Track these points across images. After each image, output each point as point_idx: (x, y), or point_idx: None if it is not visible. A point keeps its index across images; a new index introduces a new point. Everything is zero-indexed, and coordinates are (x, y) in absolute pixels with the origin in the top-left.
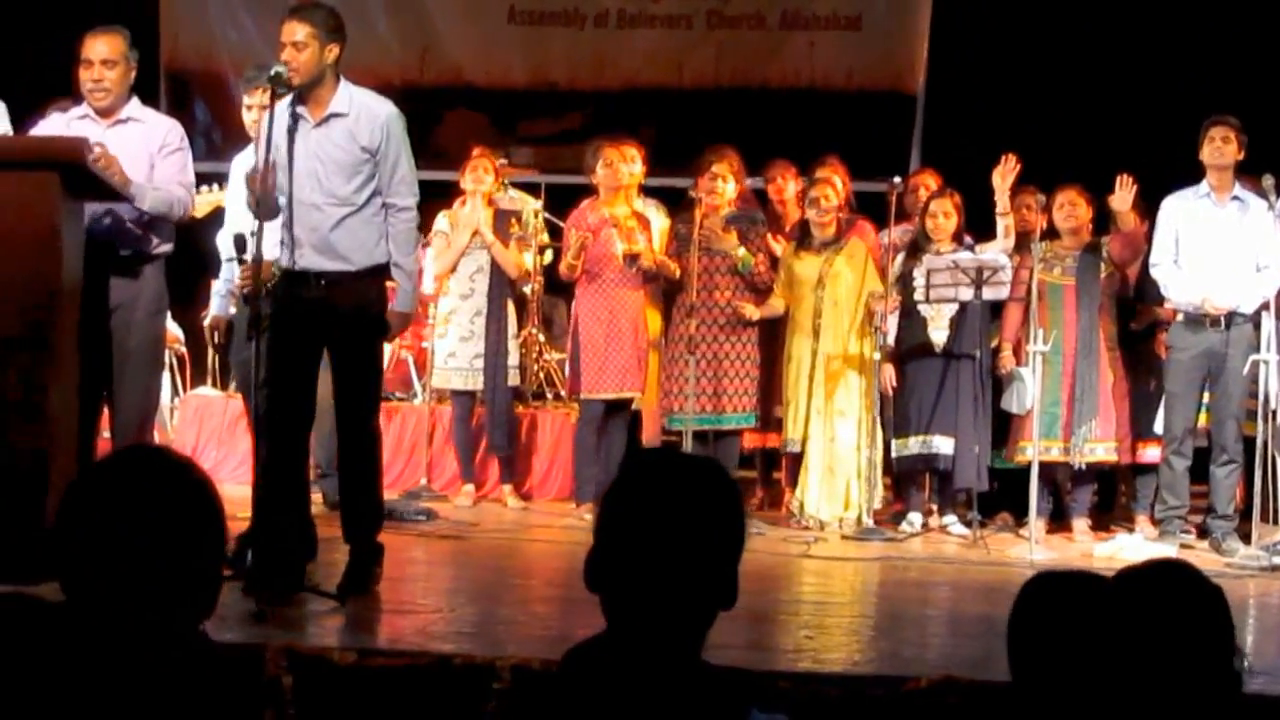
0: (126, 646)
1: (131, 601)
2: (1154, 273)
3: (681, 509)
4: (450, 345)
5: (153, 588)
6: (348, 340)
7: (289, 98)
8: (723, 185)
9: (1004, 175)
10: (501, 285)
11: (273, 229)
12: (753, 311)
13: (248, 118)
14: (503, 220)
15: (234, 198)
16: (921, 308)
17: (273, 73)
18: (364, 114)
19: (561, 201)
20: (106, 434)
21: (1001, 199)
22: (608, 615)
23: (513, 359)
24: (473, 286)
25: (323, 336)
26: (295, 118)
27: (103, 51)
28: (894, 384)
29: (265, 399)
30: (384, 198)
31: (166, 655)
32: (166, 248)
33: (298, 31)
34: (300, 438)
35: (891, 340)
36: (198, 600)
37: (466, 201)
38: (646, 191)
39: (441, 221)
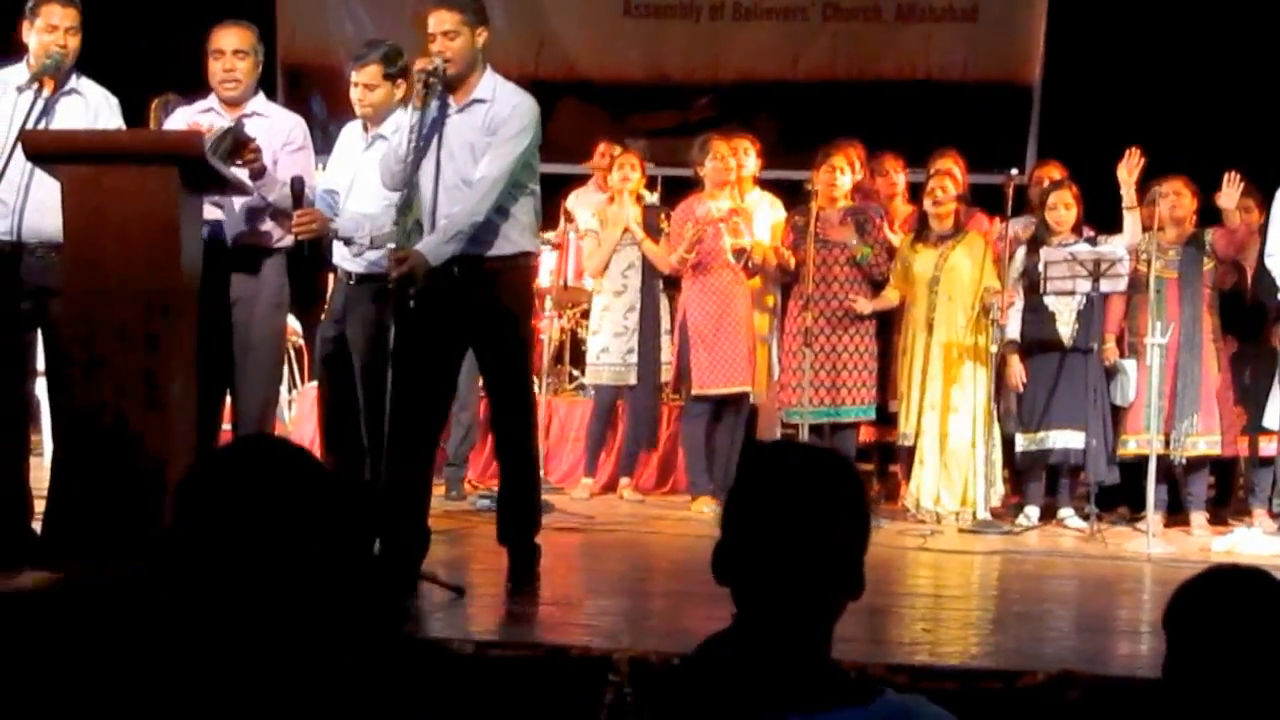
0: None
1: (247, 588)
2: (1269, 263)
3: (809, 500)
4: (603, 341)
5: (269, 574)
6: (491, 330)
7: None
8: (839, 177)
9: (1129, 169)
10: (653, 281)
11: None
12: (865, 305)
13: (353, 94)
14: (652, 216)
15: (338, 165)
16: (1048, 301)
17: (431, 67)
18: (501, 100)
19: (679, 196)
20: (228, 427)
21: (1128, 193)
22: (737, 607)
23: (665, 355)
24: (625, 283)
25: (463, 327)
26: (442, 103)
27: (234, 42)
28: (1024, 379)
29: (397, 392)
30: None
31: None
32: (287, 242)
33: (447, 20)
34: (433, 431)
35: (1014, 334)
36: (321, 586)
37: (614, 199)
38: (762, 184)
39: (591, 220)
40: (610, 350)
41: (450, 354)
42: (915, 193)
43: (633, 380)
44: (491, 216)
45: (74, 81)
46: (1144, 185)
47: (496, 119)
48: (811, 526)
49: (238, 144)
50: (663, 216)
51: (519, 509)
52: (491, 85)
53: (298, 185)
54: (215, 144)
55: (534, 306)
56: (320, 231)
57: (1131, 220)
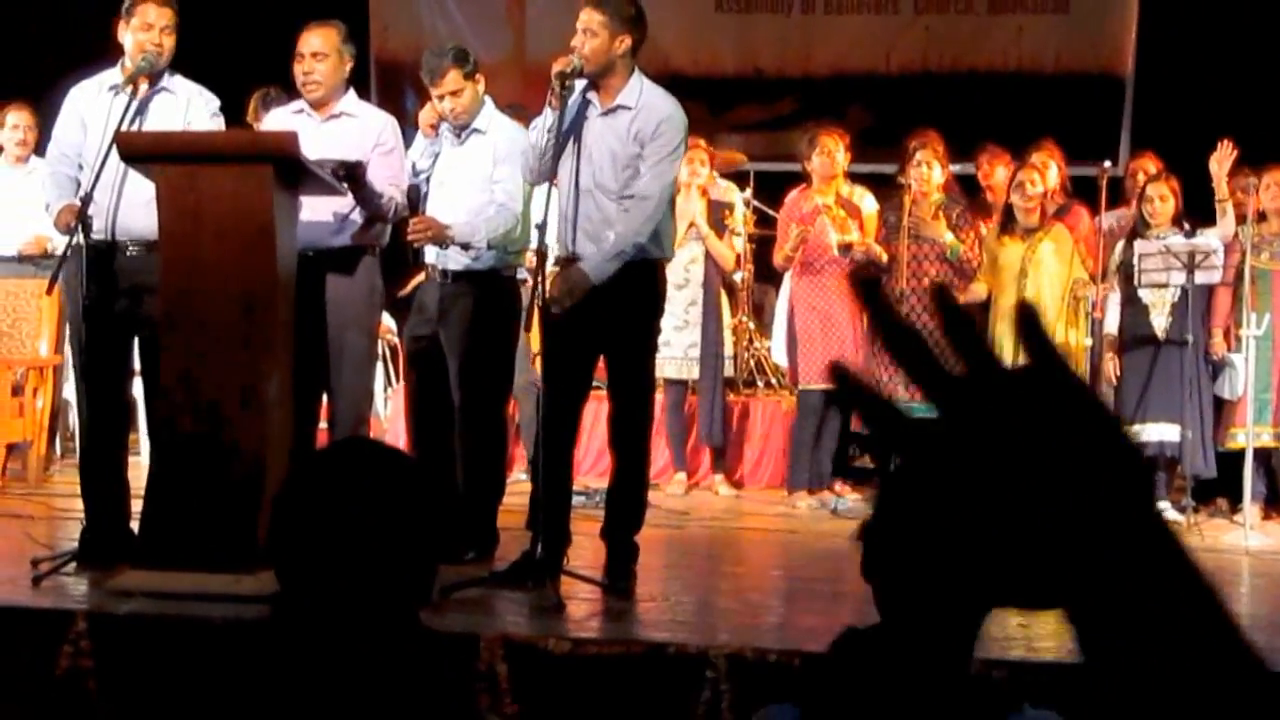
0: (342, 635)
1: (345, 591)
2: None
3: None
4: (664, 334)
5: (367, 577)
6: (622, 333)
7: (582, 83)
8: (927, 171)
9: (1221, 161)
10: (715, 275)
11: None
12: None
13: (443, 108)
14: (716, 211)
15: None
16: (1142, 294)
17: (571, 66)
18: (646, 110)
19: (770, 189)
20: (323, 425)
21: (1220, 185)
22: (881, 605)
23: (728, 349)
24: (687, 277)
25: (598, 329)
26: (586, 103)
27: (314, 45)
28: (1117, 374)
29: (549, 397)
30: (635, 183)
31: (383, 644)
32: (381, 241)
33: (589, 19)
34: (576, 433)
35: (1111, 328)
36: (413, 589)
37: (680, 192)
38: (854, 178)
39: None
40: (672, 344)
41: (589, 357)
42: (967, 185)
43: (695, 374)
44: (621, 221)
45: (166, 80)
46: (1243, 175)
47: (644, 131)
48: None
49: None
50: (726, 212)
51: (628, 505)
52: (637, 92)
53: (355, 169)
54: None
55: (662, 309)
56: (436, 238)
57: (1224, 212)
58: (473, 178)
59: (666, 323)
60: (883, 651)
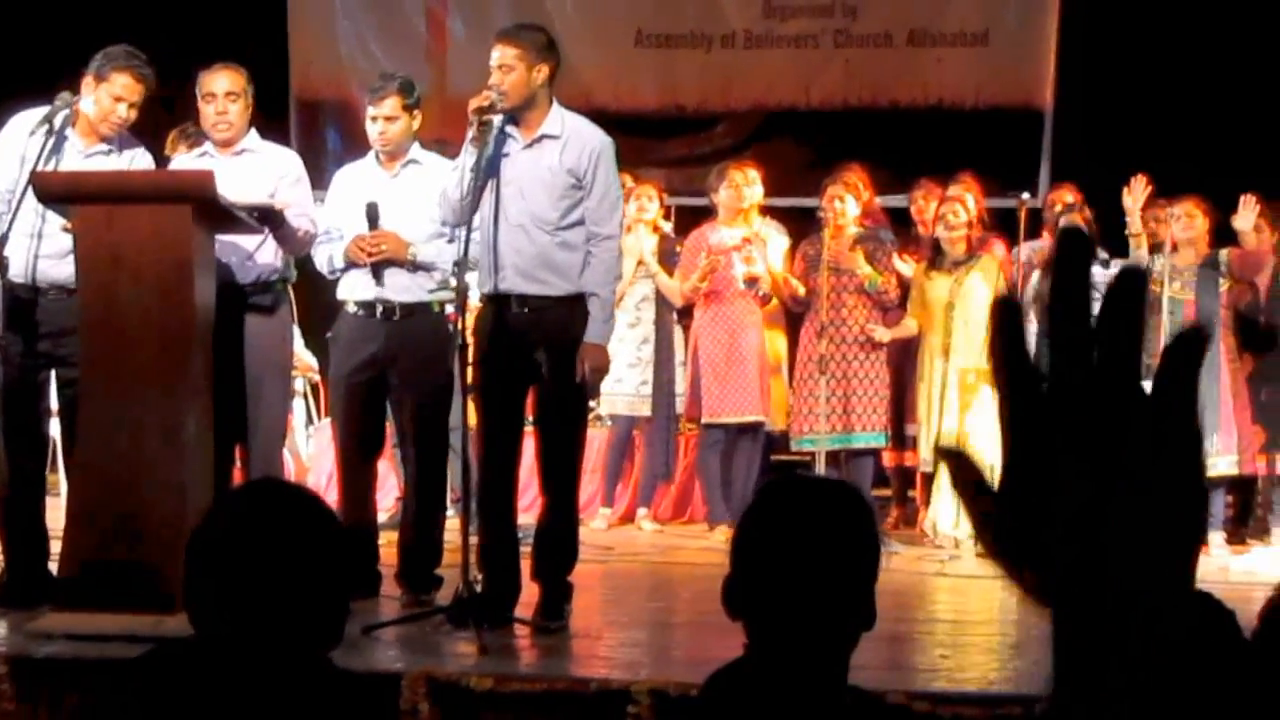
0: (256, 677)
1: (258, 632)
2: None
3: (818, 532)
4: (617, 372)
5: (278, 619)
6: (550, 369)
7: (500, 119)
8: (841, 205)
9: (1135, 196)
10: (667, 313)
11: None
12: (884, 334)
13: (372, 130)
14: (668, 247)
15: (340, 205)
16: None
17: (489, 102)
18: (574, 138)
19: (690, 225)
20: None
21: (1133, 220)
22: (750, 640)
23: (680, 386)
24: (639, 315)
25: (526, 364)
26: (505, 138)
27: (225, 85)
28: None
29: (489, 434)
30: (589, 225)
31: (294, 684)
32: (291, 274)
33: (504, 54)
34: (513, 465)
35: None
36: (323, 629)
37: (631, 230)
38: (775, 212)
39: None
40: (624, 381)
41: (523, 392)
42: (898, 218)
43: (647, 411)
44: (561, 256)
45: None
46: (1158, 206)
47: (580, 161)
48: (822, 559)
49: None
50: (677, 246)
51: (562, 545)
52: (560, 120)
53: (271, 211)
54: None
55: None
56: (393, 255)
57: (1138, 245)
58: (418, 207)
59: (619, 360)
60: (752, 681)
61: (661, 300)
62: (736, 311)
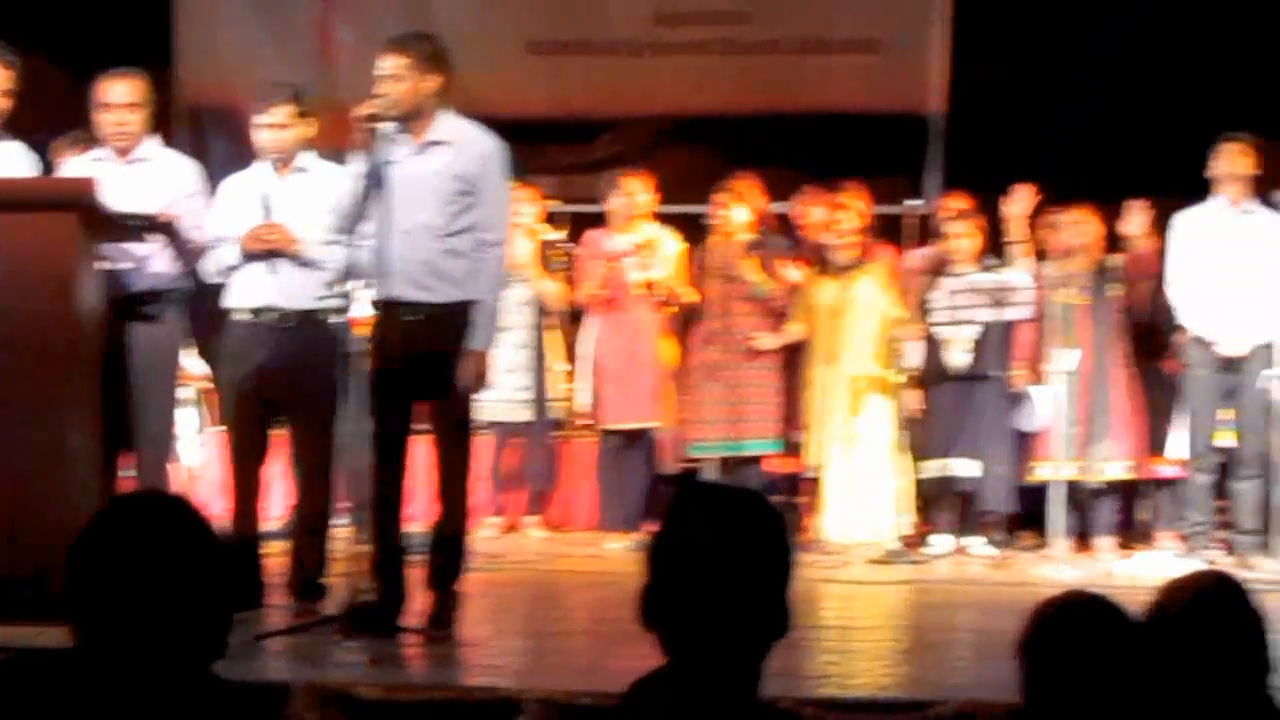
0: (137, 689)
1: (138, 644)
2: (1169, 293)
3: (734, 541)
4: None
5: (159, 631)
6: (437, 376)
7: (389, 126)
8: (733, 212)
9: (1017, 205)
10: (542, 318)
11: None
12: (768, 340)
13: (262, 138)
14: (545, 251)
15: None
16: (941, 330)
17: (378, 109)
18: (464, 145)
19: (584, 231)
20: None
21: (1015, 229)
22: (666, 650)
23: (556, 391)
24: (517, 319)
25: (416, 372)
26: (395, 145)
27: (124, 95)
28: (920, 407)
29: (377, 439)
30: (477, 232)
31: (178, 696)
32: (184, 285)
33: (393, 63)
34: (403, 474)
35: (914, 363)
36: (206, 641)
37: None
38: (668, 218)
39: None
40: (501, 387)
41: (414, 400)
42: (791, 224)
43: (527, 416)
44: (449, 263)
45: None
46: (1048, 212)
47: (470, 166)
48: (738, 568)
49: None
50: (565, 252)
51: (453, 554)
52: (450, 126)
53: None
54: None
55: None
56: (284, 246)
57: (1021, 254)
58: (309, 214)
59: (496, 366)
60: (672, 692)
61: (540, 305)
62: (632, 317)
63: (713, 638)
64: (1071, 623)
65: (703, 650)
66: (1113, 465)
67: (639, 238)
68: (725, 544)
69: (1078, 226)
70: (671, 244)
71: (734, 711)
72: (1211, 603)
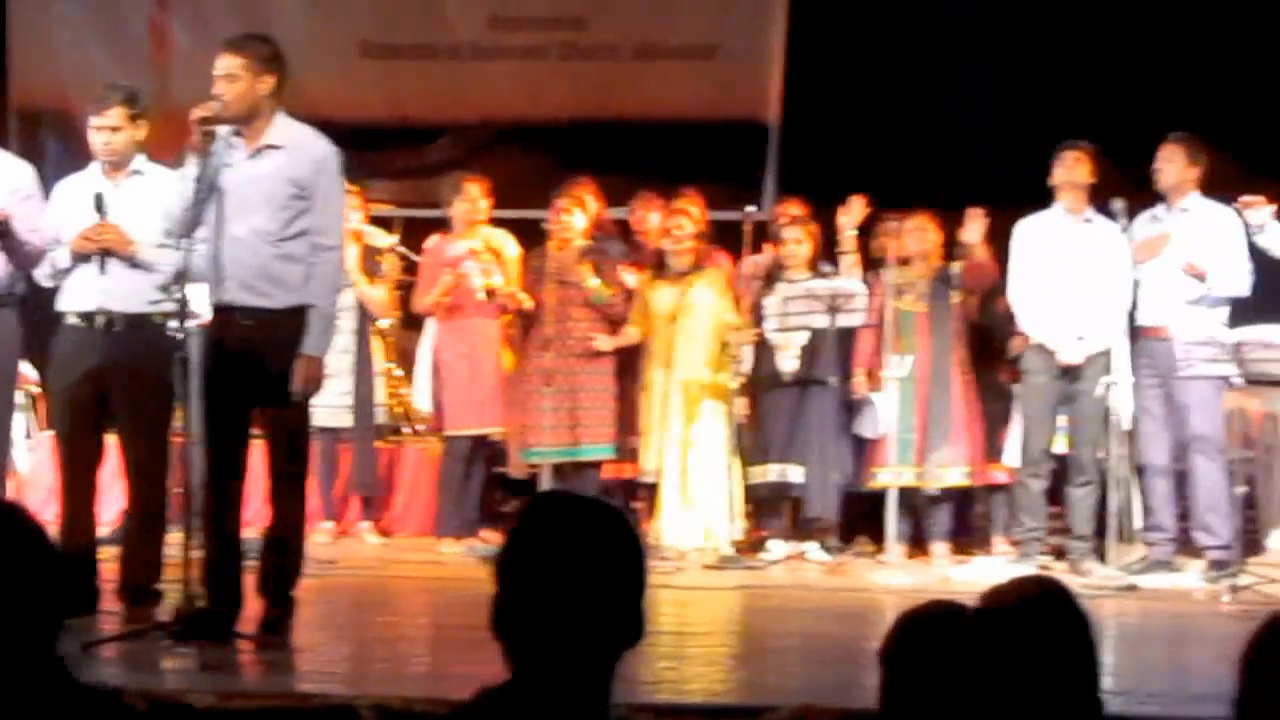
0: None
1: None
2: (1010, 299)
3: (586, 550)
4: None
5: None
6: (272, 381)
7: (227, 129)
8: (570, 218)
9: (851, 216)
10: (366, 322)
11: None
12: (605, 343)
13: (96, 140)
14: (369, 256)
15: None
16: (772, 336)
17: (213, 112)
18: (298, 149)
19: (420, 236)
20: None
21: (846, 239)
22: (514, 660)
23: (379, 396)
24: (339, 324)
25: (248, 376)
26: (229, 148)
27: None
28: (745, 414)
29: (218, 445)
30: (312, 236)
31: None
32: (19, 288)
33: (227, 64)
34: (238, 479)
35: (745, 369)
36: (35, 648)
37: None
38: (503, 223)
39: None
40: (324, 392)
41: (248, 405)
42: (628, 230)
43: (348, 422)
44: (283, 268)
45: None
46: (883, 219)
47: (302, 171)
48: (590, 577)
49: None
50: (392, 256)
51: (288, 560)
52: (284, 131)
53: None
54: None
55: None
56: (116, 246)
57: (850, 264)
58: (144, 217)
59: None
60: (519, 706)
61: (361, 309)
62: (474, 323)
63: (565, 647)
64: (932, 631)
65: (554, 659)
66: (951, 472)
67: (480, 243)
68: (577, 553)
69: (918, 233)
70: (511, 249)
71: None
72: (1035, 607)
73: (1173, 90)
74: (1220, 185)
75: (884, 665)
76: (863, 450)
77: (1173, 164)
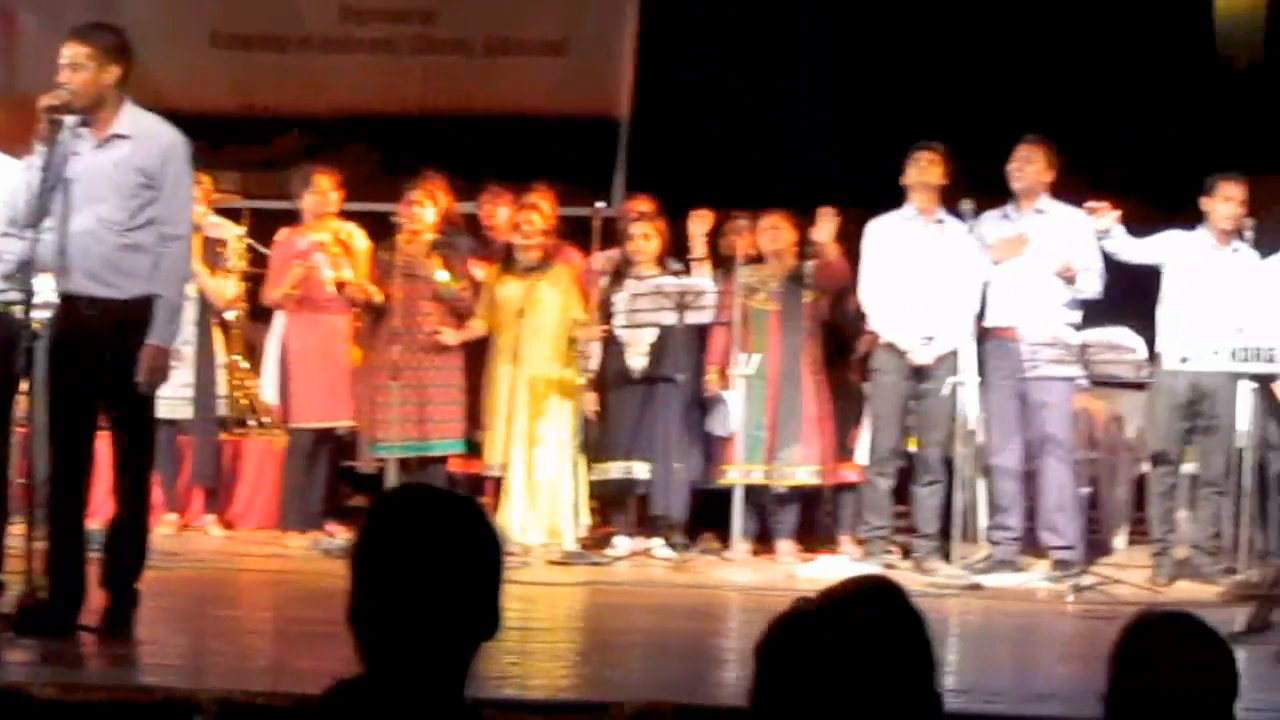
0: None
1: None
2: (861, 299)
3: (440, 543)
4: None
5: None
6: (118, 374)
7: (74, 118)
8: (420, 211)
9: (700, 223)
10: (208, 313)
11: None
12: (451, 336)
13: None
14: (210, 247)
15: None
16: (620, 333)
17: (60, 101)
18: (146, 138)
19: (269, 228)
20: None
21: (696, 246)
22: (367, 654)
23: (221, 388)
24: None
25: (97, 368)
26: (76, 137)
27: None
28: (594, 410)
29: (53, 436)
30: (159, 226)
31: None
32: None
33: (75, 52)
34: (83, 470)
35: (594, 366)
36: None
37: None
38: (351, 216)
39: None
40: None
41: (95, 395)
42: (474, 225)
43: (189, 413)
44: (130, 257)
45: None
46: (732, 217)
47: (150, 160)
48: (444, 571)
49: None
50: (220, 248)
51: (132, 552)
52: (132, 120)
53: None
54: None
55: None
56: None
57: (700, 269)
58: None
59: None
60: (374, 699)
61: (203, 299)
62: (323, 316)
63: (421, 640)
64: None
65: (410, 653)
66: (801, 470)
67: (329, 236)
68: (433, 546)
69: (772, 232)
70: (360, 242)
71: (439, 714)
72: (865, 605)
73: (1016, 94)
74: (1059, 192)
75: (757, 660)
76: (714, 448)
77: (1032, 165)
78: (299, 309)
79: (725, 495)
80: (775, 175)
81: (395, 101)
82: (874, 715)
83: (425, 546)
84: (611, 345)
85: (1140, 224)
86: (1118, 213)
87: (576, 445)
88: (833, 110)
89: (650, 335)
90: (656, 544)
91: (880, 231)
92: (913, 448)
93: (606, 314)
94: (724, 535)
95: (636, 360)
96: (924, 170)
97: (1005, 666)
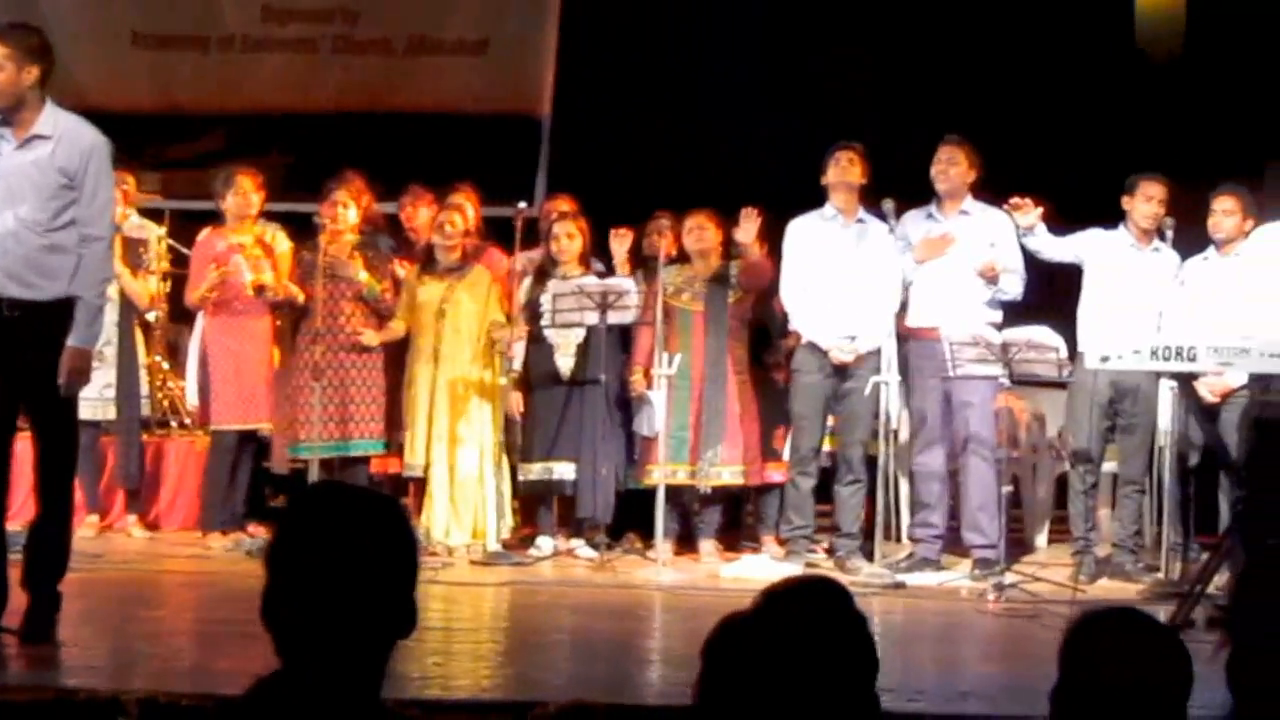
0: None
1: None
2: (783, 298)
3: (355, 540)
4: None
5: None
6: (39, 375)
7: None
8: (344, 211)
9: (621, 242)
10: (129, 314)
11: None
12: (372, 337)
13: None
14: (132, 248)
15: None
16: (548, 334)
17: None
18: (67, 138)
19: (190, 228)
20: None
21: (619, 265)
22: (284, 651)
23: (143, 389)
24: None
25: (14, 368)
26: None
27: None
28: (520, 410)
29: None
30: (79, 227)
31: None
32: None
33: None
34: (4, 471)
35: (519, 366)
36: None
37: None
38: (273, 217)
39: None
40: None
41: (14, 397)
42: (399, 225)
43: (111, 414)
44: (50, 259)
45: None
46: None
47: (70, 160)
48: (359, 568)
49: None
50: (142, 249)
51: (53, 553)
52: (53, 120)
53: None
54: None
55: None
56: None
57: (625, 275)
58: None
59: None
60: (292, 696)
61: (125, 303)
62: (243, 318)
63: (335, 637)
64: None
65: (325, 650)
66: (725, 470)
67: (251, 238)
68: (348, 543)
69: (697, 232)
70: (283, 243)
71: (354, 712)
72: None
73: (936, 93)
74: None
75: (704, 659)
76: (638, 448)
77: (956, 166)
78: (218, 311)
79: (649, 495)
80: (698, 175)
81: (317, 101)
82: (818, 714)
83: (339, 543)
84: (539, 346)
85: (1060, 223)
86: (1040, 210)
87: (499, 445)
88: (755, 110)
89: (578, 336)
90: (580, 544)
91: (801, 231)
92: (833, 447)
93: (533, 314)
94: (647, 535)
95: (564, 361)
96: (844, 170)
97: (928, 665)
